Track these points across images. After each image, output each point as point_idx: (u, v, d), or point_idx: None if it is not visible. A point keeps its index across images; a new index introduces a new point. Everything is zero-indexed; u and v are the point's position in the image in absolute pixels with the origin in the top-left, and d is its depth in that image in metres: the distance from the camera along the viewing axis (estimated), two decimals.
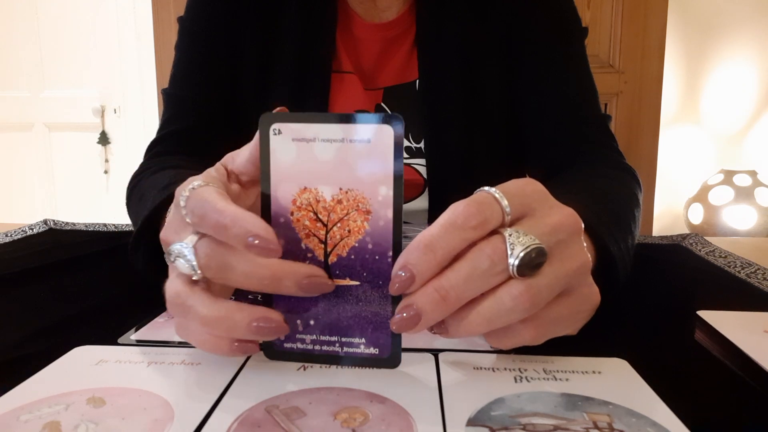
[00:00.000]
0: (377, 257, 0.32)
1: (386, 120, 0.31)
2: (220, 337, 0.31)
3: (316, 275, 0.31)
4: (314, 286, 0.31)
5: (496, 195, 0.30)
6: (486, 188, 0.31)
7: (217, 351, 0.32)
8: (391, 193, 0.32)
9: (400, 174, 0.31)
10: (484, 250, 0.29)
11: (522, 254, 0.29)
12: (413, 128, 0.69)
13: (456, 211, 0.30)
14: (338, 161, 0.32)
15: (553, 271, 0.30)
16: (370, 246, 0.32)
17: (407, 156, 0.70)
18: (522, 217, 0.31)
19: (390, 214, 0.32)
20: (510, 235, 0.29)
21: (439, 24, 0.68)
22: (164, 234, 0.36)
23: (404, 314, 0.29)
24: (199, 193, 0.32)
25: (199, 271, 0.31)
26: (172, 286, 0.32)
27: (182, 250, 0.31)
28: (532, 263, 0.29)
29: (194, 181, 0.33)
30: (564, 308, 0.31)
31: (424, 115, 0.68)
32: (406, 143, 0.69)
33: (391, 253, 0.32)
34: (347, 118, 0.32)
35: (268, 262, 0.30)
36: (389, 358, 0.33)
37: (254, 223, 0.29)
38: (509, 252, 0.29)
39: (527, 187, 0.32)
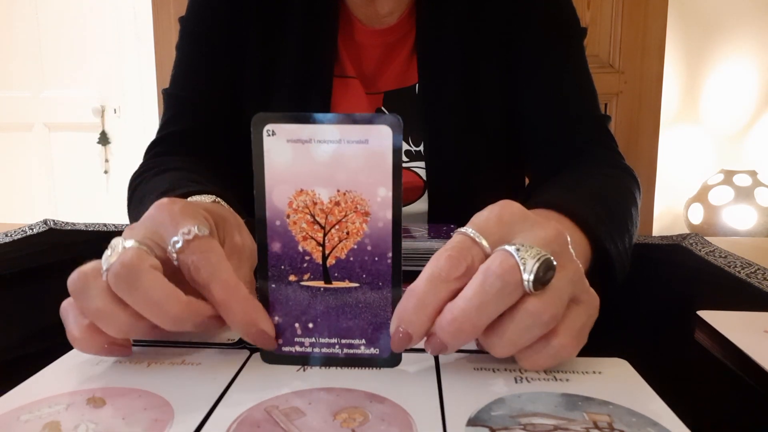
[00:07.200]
0: (376, 258, 0.32)
1: (384, 120, 0.31)
2: (98, 333, 0.31)
3: (213, 315, 0.32)
4: (210, 327, 0.32)
5: (475, 237, 0.31)
6: (462, 230, 0.31)
7: (88, 348, 0.32)
8: (390, 194, 0.32)
9: (399, 174, 0.31)
10: (493, 271, 0.29)
11: (536, 267, 0.29)
12: (413, 132, 0.69)
13: (438, 264, 0.30)
14: (336, 162, 0.32)
15: (560, 280, 0.30)
16: (369, 248, 0.32)
17: (407, 159, 0.70)
18: (508, 241, 0.31)
19: (389, 215, 0.32)
20: (518, 250, 0.29)
21: (439, 28, 0.68)
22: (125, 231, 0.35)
23: (432, 345, 0.31)
24: (201, 246, 0.32)
25: (104, 268, 0.31)
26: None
27: (116, 246, 0.31)
28: (546, 276, 0.29)
29: (189, 225, 0.32)
30: (582, 314, 0.31)
31: (423, 118, 0.68)
32: (406, 147, 0.69)
33: (390, 255, 0.32)
34: (344, 119, 0.31)
35: (181, 301, 0.31)
36: (389, 357, 0.33)
37: (260, 316, 0.32)
38: (522, 267, 0.29)
39: (504, 212, 0.32)
